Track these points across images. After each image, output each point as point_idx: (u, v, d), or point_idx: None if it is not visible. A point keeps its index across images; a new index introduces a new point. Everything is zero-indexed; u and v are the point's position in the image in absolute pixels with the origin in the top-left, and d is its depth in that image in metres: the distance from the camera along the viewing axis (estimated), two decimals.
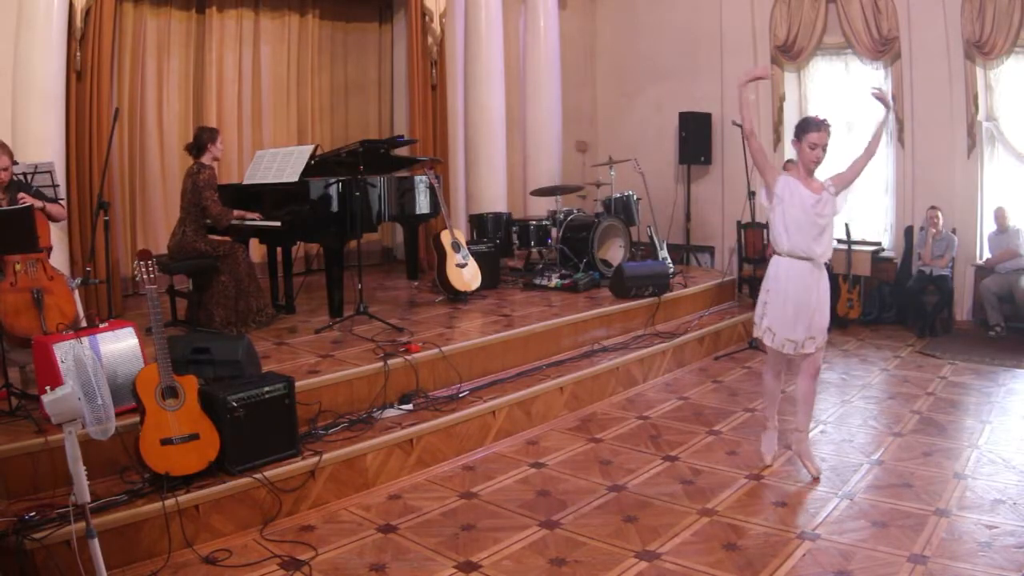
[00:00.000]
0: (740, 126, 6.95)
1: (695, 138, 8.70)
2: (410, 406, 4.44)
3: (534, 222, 7.60)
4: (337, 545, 3.37)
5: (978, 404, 5.21)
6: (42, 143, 5.22)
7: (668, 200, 8.99)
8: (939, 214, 7.20)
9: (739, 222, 8.18)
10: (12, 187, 4.28)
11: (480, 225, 7.57)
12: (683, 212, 9.03)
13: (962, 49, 7.19)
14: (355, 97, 8.89)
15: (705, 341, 6.55)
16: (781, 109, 8.34)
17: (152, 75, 7.21)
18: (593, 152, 9.88)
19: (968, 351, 6.52)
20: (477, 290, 6.43)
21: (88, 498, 2.64)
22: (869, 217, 8.07)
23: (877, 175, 7.98)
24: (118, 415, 2.85)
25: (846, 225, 7.40)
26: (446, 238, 6.27)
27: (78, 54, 5.55)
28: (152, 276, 3.34)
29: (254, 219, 5.55)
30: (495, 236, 7.40)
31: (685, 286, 7.17)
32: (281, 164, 5.66)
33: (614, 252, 7.59)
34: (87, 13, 5.55)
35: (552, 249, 7.51)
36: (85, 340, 3.60)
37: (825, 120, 3.93)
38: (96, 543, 2.66)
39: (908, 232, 7.69)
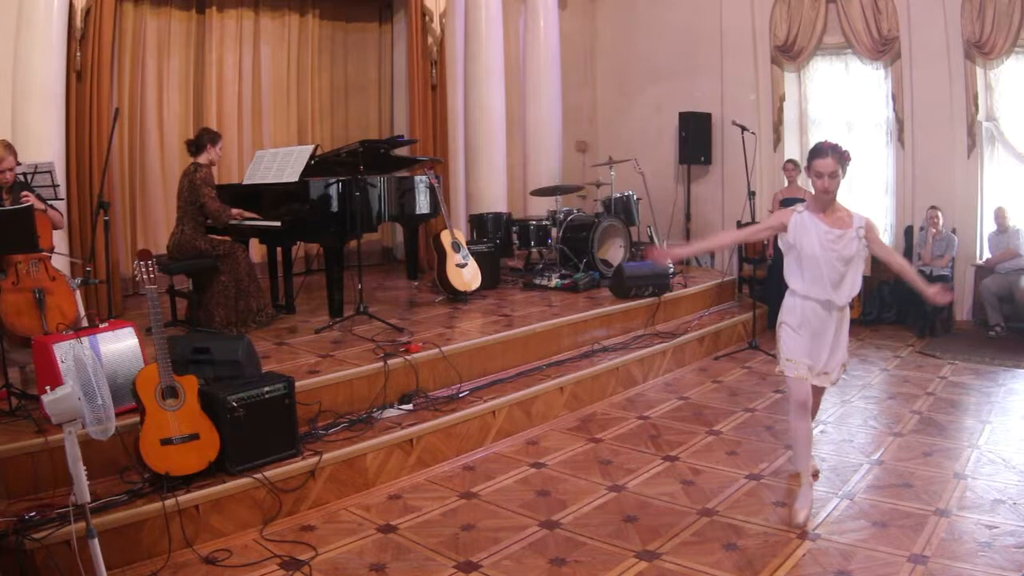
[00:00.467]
0: (742, 127, 6.99)
1: (695, 138, 8.70)
2: (410, 406, 4.44)
3: (534, 222, 7.60)
4: (337, 545, 3.37)
5: (978, 404, 5.21)
6: (42, 143, 5.22)
7: (668, 200, 9.00)
8: (939, 214, 7.20)
9: (739, 222, 8.17)
10: (16, 187, 4.28)
11: (480, 225, 7.57)
12: (683, 212, 9.03)
13: (962, 49, 7.19)
14: (355, 97, 8.89)
15: (705, 341, 6.55)
16: (781, 109, 8.35)
17: (152, 75, 7.22)
18: (593, 152, 9.89)
19: (968, 351, 6.52)
20: (477, 290, 6.43)
21: (88, 498, 2.64)
22: (869, 217, 8.06)
23: (877, 175, 7.99)
24: (118, 415, 2.85)
25: None
26: (446, 238, 6.27)
27: (78, 54, 5.55)
28: (152, 276, 3.34)
29: (254, 218, 5.55)
30: (495, 236, 7.40)
31: (685, 286, 7.17)
32: (281, 164, 5.66)
33: (614, 252, 7.59)
34: (87, 13, 5.55)
35: (552, 249, 7.51)
36: (85, 340, 3.60)
37: (835, 145, 3.41)
38: (96, 543, 2.66)
39: (908, 232, 7.69)
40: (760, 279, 7.70)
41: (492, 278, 6.90)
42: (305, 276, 6.98)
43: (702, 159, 8.81)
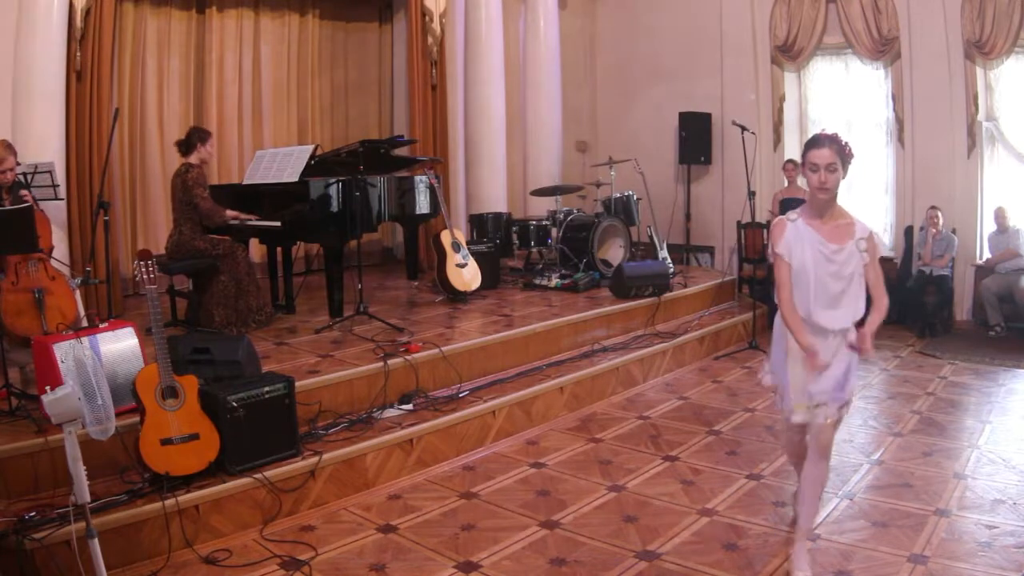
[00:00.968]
0: (742, 127, 6.99)
1: (695, 138, 8.70)
2: (410, 406, 4.44)
3: (534, 222, 7.60)
4: (337, 545, 3.37)
5: (978, 404, 5.21)
6: (42, 143, 5.22)
7: (668, 200, 8.99)
8: (939, 214, 7.20)
9: (739, 222, 8.17)
10: (15, 187, 4.28)
11: (480, 225, 7.57)
12: (683, 212, 9.03)
13: (962, 49, 7.19)
14: (355, 97, 8.89)
15: (705, 341, 6.55)
16: (781, 109, 8.35)
17: (152, 75, 7.21)
18: (593, 152, 9.88)
19: (968, 351, 6.52)
20: (477, 290, 6.43)
21: (88, 498, 2.63)
22: (869, 217, 8.06)
23: (877, 175, 7.99)
24: (118, 415, 2.85)
25: None
26: (446, 238, 6.27)
27: (78, 54, 5.55)
28: (152, 276, 3.35)
29: (249, 219, 5.55)
30: (495, 236, 7.40)
31: (685, 286, 7.17)
32: (281, 164, 5.66)
33: (614, 252, 7.59)
34: (87, 13, 5.55)
35: (552, 249, 7.51)
36: (85, 340, 3.60)
37: (834, 135, 2.89)
38: (96, 543, 2.66)
39: (908, 232, 7.69)
40: (760, 279, 7.70)
41: (492, 278, 6.90)
42: (305, 276, 6.98)
43: (702, 159, 8.81)
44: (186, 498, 3.27)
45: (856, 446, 4.45)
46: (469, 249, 6.47)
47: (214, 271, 5.26)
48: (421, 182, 6.43)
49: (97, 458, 3.24)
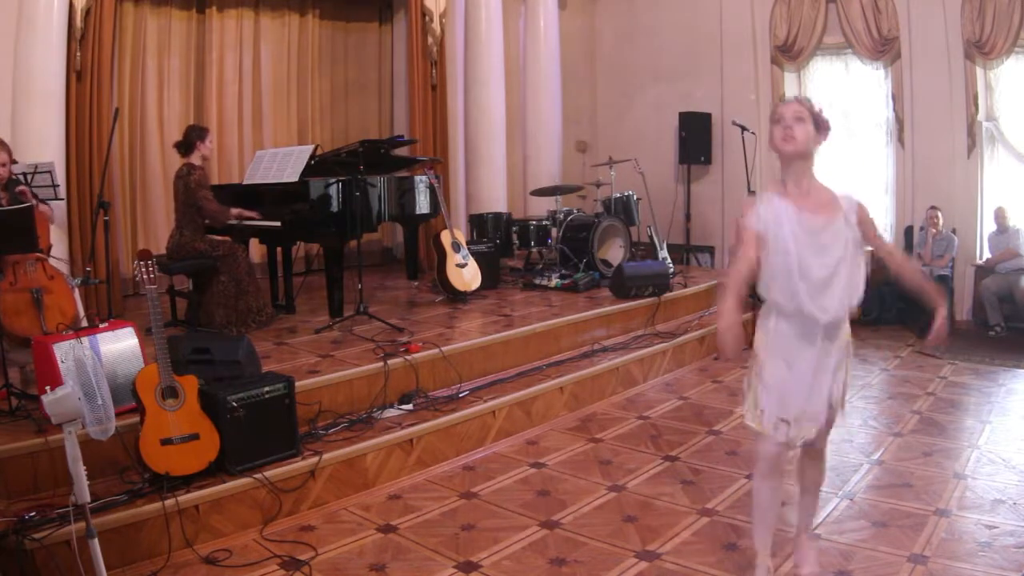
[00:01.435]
0: (742, 127, 6.99)
1: (695, 138, 8.70)
2: (410, 406, 4.43)
3: (534, 222, 7.60)
4: (337, 545, 3.36)
5: (978, 404, 5.21)
6: (42, 143, 5.23)
7: (668, 200, 8.99)
8: (939, 214, 7.20)
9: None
10: (11, 185, 4.28)
11: (480, 225, 7.57)
12: (683, 212, 9.03)
13: (962, 49, 7.19)
14: (355, 97, 8.89)
15: (705, 341, 6.54)
16: None
17: (152, 75, 7.22)
18: (593, 152, 9.88)
19: (968, 351, 6.51)
20: (477, 290, 6.42)
21: (88, 498, 2.63)
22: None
23: (877, 175, 7.99)
24: (118, 415, 2.85)
25: None
26: (446, 238, 6.27)
27: (78, 54, 5.55)
28: (152, 276, 3.35)
29: (253, 217, 5.55)
30: (495, 236, 7.40)
31: (685, 286, 7.16)
32: (281, 164, 5.66)
33: (614, 252, 7.59)
34: (87, 13, 5.56)
35: (552, 249, 7.51)
36: (85, 340, 3.59)
37: (804, 98, 2.63)
38: (96, 543, 2.66)
39: (908, 232, 7.69)
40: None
41: (492, 278, 6.89)
42: (305, 276, 6.97)
43: (702, 159, 8.81)
44: (186, 498, 3.27)
45: (856, 446, 4.44)
46: (469, 249, 6.47)
47: (214, 271, 5.26)
48: (421, 182, 6.43)
49: (97, 458, 3.24)
